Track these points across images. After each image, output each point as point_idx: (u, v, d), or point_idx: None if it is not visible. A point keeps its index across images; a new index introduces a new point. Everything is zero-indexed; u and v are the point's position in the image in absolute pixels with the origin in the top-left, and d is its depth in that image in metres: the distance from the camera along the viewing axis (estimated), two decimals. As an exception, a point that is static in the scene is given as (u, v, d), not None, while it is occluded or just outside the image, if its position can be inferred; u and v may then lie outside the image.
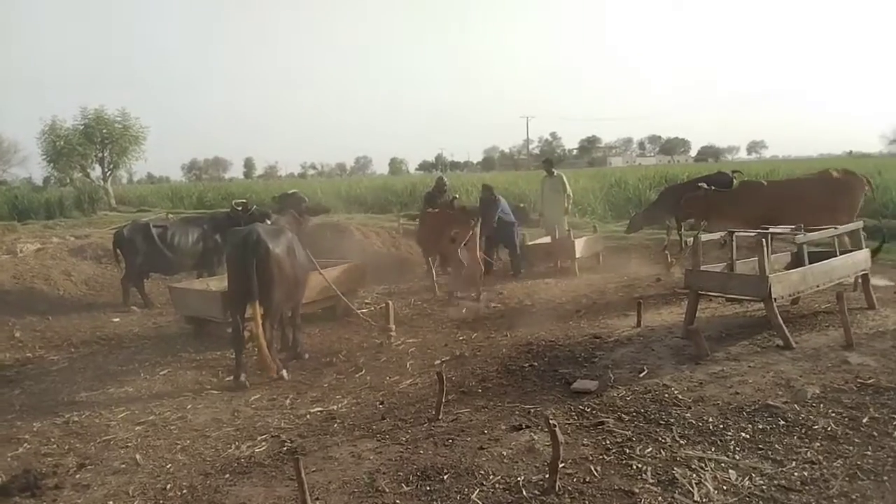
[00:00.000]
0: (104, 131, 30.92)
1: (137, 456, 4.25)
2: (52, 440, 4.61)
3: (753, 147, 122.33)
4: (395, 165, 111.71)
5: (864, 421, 4.03)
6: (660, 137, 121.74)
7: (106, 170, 32.22)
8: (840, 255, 6.62)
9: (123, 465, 4.13)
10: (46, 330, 8.21)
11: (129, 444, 4.46)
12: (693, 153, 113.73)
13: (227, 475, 3.90)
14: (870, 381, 4.64)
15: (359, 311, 7.56)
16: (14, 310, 9.08)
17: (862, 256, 6.63)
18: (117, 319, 8.71)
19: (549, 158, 13.28)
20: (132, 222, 10.54)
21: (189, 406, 5.21)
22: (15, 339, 7.72)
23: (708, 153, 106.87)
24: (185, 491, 3.73)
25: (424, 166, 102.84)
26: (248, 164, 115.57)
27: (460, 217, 9.31)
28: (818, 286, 6.22)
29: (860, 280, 6.88)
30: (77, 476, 4.00)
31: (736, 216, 8.63)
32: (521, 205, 12.46)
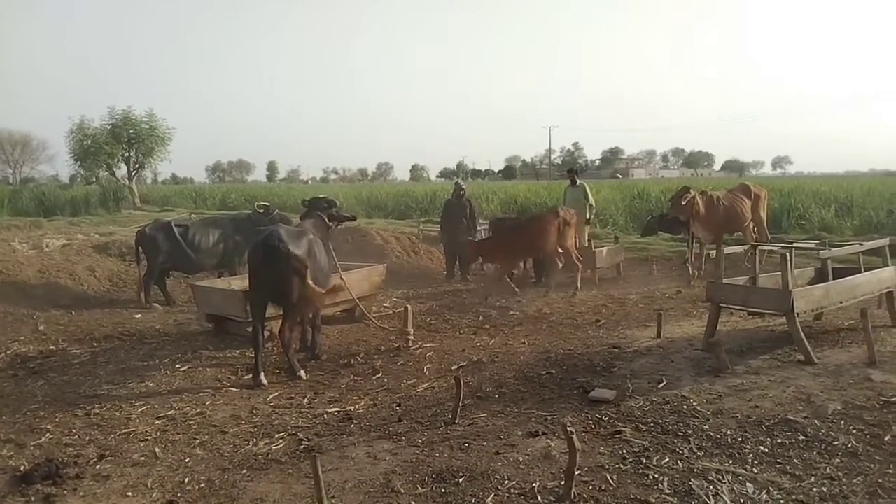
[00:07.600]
0: (131, 131, 31.38)
1: (157, 449, 4.30)
2: (74, 431, 4.67)
3: (778, 162, 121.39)
4: (416, 172, 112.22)
5: (887, 439, 3.97)
6: (683, 150, 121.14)
7: (131, 169, 32.68)
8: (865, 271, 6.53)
9: (143, 458, 4.17)
10: (70, 324, 8.33)
11: (149, 438, 4.51)
12: (717, 167, 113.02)
13: (245, 471, 3.94)
14: (893, 399, 4.56)
15: (373, 318, 7.55)
16: (39, 303, 9.25)
17: (887, 274, 6.53)
18: (139, 316, 8.81)
19: (573, 168, 13.11)
20: (155, 221, 10.67)
21: (208, 402, 5.26)
22: (39, 332, 7.84)
23: (732, 167, 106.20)
24: (202, 485, 3.76)
25: (445, 173, 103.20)
26: (271, 168, 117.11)
27: None
28: (841, 302, 6.14)
29: (885, 297, 6.78)
30: (97, 467, 4.05)
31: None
32: None
